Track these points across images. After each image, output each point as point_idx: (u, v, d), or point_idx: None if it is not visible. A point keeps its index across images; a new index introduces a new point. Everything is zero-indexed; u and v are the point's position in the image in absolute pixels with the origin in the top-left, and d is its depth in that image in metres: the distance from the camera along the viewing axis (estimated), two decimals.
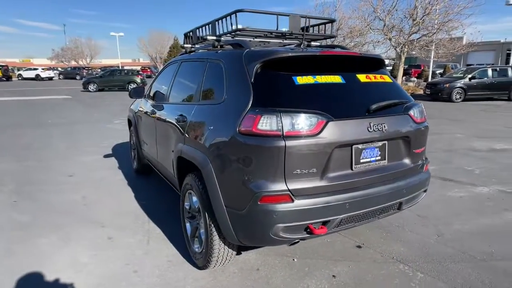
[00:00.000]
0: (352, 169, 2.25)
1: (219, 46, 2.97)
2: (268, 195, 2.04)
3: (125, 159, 5.87)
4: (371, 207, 2.31)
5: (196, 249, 2.72)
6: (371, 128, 2.24)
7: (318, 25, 3.30)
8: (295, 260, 2.85)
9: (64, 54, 62.81)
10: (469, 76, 15.38)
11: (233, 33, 2.93)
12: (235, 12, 2.79)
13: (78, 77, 40.41)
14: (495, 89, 15.54)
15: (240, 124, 2.13)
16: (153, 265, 2.78)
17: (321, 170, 2.12)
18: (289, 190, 2.06)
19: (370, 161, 2.32)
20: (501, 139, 7.53)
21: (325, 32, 3.35)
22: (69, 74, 43.76)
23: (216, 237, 2.42)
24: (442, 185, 4.59)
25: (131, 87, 23.27)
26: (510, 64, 21.83)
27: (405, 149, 2.52)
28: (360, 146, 2.26)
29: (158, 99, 3.90)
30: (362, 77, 2.48)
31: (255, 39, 3.18)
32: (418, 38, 18.24)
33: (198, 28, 3.52)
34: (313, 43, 3.37)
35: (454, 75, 16.93)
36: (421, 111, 2.62)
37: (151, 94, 4.21)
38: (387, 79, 2.65)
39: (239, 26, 2.91)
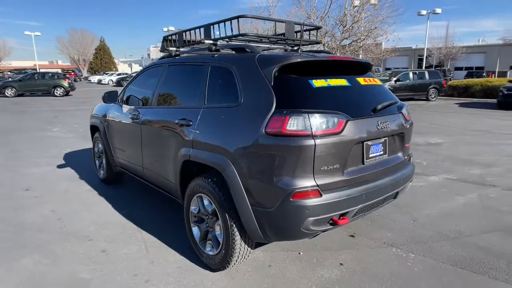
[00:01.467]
0: (363, 164, 2.48)
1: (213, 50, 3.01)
2: (300, 191, 2.17)
3: (85, 169, 5.48)
4: (379, 197, 2.56)
5: (210, 252, 2.72)
6: (379, 126, 2.50)
7: (309, 30, 3.51)
8: (301, 253, 3.01)
9: None
10: (395, 78, 17.16)
11: (232, 38, 2.98)
12: (237, 17, 2.86)
13: None
14: (416, 90, 17.57)
15: (266, 125, 2.22)
16: (163, 273, 2.71)
17: (342, 165, 2.31)
18: (317, 185, 2.20)
19: (376, 156, 2.58)
20: (433, 134, 8.59)
21: (309, 38, 3.57)
22: None
23: (237, 236, 2.47)
24: None
25: (58, 92, 21.42)
26: (423, 68, 24.87)
27: (400, 144, 2.83)
28: (369, 143, 2.50)
29: (138, 103, 3.77)
30: (361, 80, 2.74)
31: (249, 43, 3.27)
32: (349, 44, 19.74)
33: (184, 31, 3.49)
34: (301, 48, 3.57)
35: (381, 78, 18.69)
36: (408, 110, 2.97)
37: (126, 98, 4.03)
38: (378, 82, 2.95)
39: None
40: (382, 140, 2.62)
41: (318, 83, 2.42)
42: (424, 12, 25.10)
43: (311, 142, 2.15)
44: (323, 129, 2.19)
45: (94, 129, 4.97)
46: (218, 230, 2.63)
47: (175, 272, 2.72)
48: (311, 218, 2.20)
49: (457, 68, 37.75)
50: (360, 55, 21.43)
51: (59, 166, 5.76)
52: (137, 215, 3.78)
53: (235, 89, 2.53)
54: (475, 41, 39.51)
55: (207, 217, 2.75)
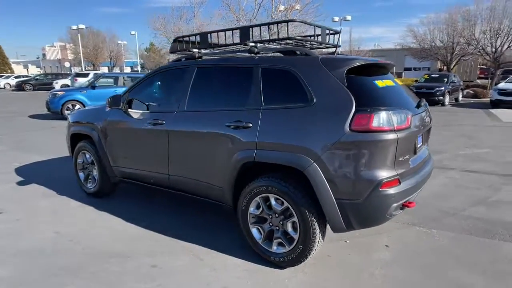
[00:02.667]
0: (415, 153, 2.82)
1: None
2: (387, 181, 2.40)
3: (57, 184, 4.88)
4: (423, 184, 2.93)
5: (279, 250, 2.77)
6: (425, 120, 2.87)
7: (333, 34, 3.71)
8: (348, 241, 3.24)
9: None
10: None
11: (281, 41, 3.06)
12: (287, 21, 2.97)
13: None
14: None
15: (351, 123, 2.39)
16: (236, 278, 2.68)
17: (410, 156, 2.61)
18: (398, 174, 2.46)
19: (419, 146, 2.94)
20: None
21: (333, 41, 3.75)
22: None
23: (317, 231, 2.58)
24: None
25: None
26: None
27: (426, 137, 3.26)
28: (418, 135, 2.85)
29: (156, 108, 3.57)
30: (398, 81, 3.09)
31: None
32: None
33: (209, 33, 3.43)
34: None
35: None
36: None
37: (129, 103, 3.73)
38: (401, 82, 3.34)
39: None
40: (421, 133, 3.01)
41: (379, 83, 2.68)
42: (336, 18, 27.57)
43: (394, 136, 2.39)
44: (400, 124, 2.46)
45: (77, 138, 4.47)
46: (290, 227, 2.70)
47: (246, 275, 2.71)
48: (394, 205, 2.46)
49: None
50: None
51: (19, 183, 5.00)
52: (160, 225, 3.56)
53: (301, 90, 2.64)
54: (371, 46, 44.69)
55: (271, 216, 2.79)
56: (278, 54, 3.07)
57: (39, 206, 4.14)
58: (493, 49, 22.61)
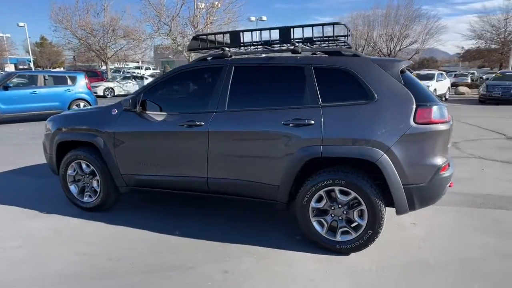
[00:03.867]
0: None
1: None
2: (444, 165, 2.80)
3: (40, 201, 4.22)
4: None
5: (345, 239, 2.95)
6: None
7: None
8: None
9: None
10: None
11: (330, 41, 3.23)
12: (334, 23, 3.14)
13: None
14: None
15: (415, 117, 2.72)
16: (313, 270, 2.79)
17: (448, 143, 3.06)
18: (447, 159, 2.88)
19: None
20: None
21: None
22: None
23: (384, 216, 2.85)
24: None
25: None
26: None
27: None
28: None
29: (184, 109, 3.41)
30: None
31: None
32: None
33: (242, 31, 3.40)
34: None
35: None
36: None
37: (146, 105, 3.48)
38: None
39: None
40: None
41: (419, 81, 3.07)
42: (253, 18, 28.43)
43: (447, 126, 2.80)
44: (447, 116, 2.87)
45: (66, 146, 3.93)
46: (356, 215, 2.91)
47: (320, 266, 2.83)
48: (447, 185, 2.87)
49: None
50: None
51: None
52: (196, 231, 3.42)
53: (361, 88, 2.87)
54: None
55: (333, 208, 2.97)
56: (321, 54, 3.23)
57: (33, 228, 3.55)
58: (388, 51, 26.22)
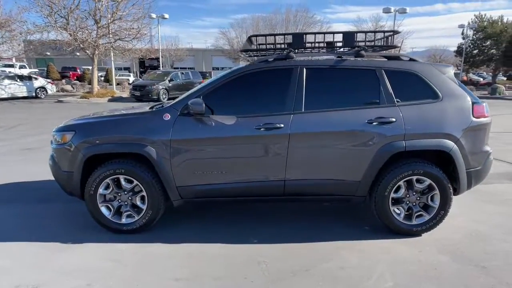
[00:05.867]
0: None
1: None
2: (491, 151, 3.43)
3: (71, 230, 3.45)
4: None
5: (419, 222, 3.32)
6: None
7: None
8: None
9: None
10: (168, 78, 18.20)
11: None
12: (394, 32, 3.48)
13: None
14: (185, 89, 19.38)
15: (473, 112, 3.28)
16: (407, 254, 3.09)
17: None
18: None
19: None
20: None
21: None
22: None
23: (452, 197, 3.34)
24: None
25: None
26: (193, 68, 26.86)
27: None
28: None
29: (255, 111, 3.30)
30: None
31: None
32: (108, 43, 18.54)
33: (305, 34, 3.46)
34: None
35: (155, 77, 19.12)
36: None
37: (211, 108, 3.27)
38: None
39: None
40: None
41: None
42: (154, 15, 26.97)
43: (490, 119, 3.44)
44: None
45: (95, 160, 3.34)
46: (429, 200, 3.32)
47: (410, 249, 3.15)
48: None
49: (175, 68, 43.02)
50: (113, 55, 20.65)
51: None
52: (268, 237, 3.37)
53: (429, 89, 3.30)
54: (187, 45, 46.07)
55: (408, 195, 3.32)
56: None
57: (80, 262, 2.93)
58: None
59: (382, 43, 3.69)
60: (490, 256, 2.99)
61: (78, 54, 22.95)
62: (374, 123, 3.21)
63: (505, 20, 30.67)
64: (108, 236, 3.37)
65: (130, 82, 29.73)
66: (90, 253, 3.07)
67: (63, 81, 28.44)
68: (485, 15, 31.84)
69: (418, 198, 3.34)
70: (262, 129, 3.21)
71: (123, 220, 3.41)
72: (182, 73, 19.93)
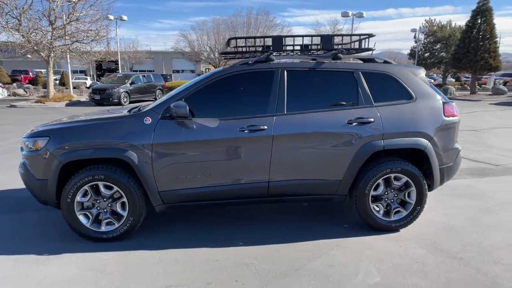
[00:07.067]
0: None
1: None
2: (460, 148, 3.66)
3: (47, 240, 3.21)
4: None
5: (398, 217, 3.47)
6: None
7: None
8: None
9: None
10: (129, 81, 17.61)
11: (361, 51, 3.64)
12: (369, 35, 3.61)
13: None
14: (147, 92, 18.88)
15: (444, 112, 3.49)
16: (400, 247, 3.22)
17: None
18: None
19: None
20: None
21: None
22: None
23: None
24: None
25: None
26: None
27: None
28: None
29: (237, 114, 3.29)
30: None
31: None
32: (65, 45, 17.57)
33: (284, 37, 3.51)
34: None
35: (114, 80, 18.38)
36: None
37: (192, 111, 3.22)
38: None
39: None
40: None
41: None
42: (112, 17, 26.01)
43: (459, 118, 3.67)
44: None
45: (72, 166, 3.17)
46: (406, 196, 3.48)
47: (393, 244, 3.29)
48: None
49: (134, 71, 41.70)
50: (72, 58, 19.67)
51: None
52: (254, 239, 3.36)
53: (403, 90, 3.47)
54: (146, 47, 44.70)
55: (387, 193, 3.46)
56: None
57: (63, 273, 2.75)
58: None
59: (358, 46, 3.83)
60: (465, 248, 3.19)
61: (30, 56, 21.58)
62: (354, 124, 3.31)
63: (453, 25, 32.96)
64: (87, 245, 3.20)
65: (88, 85, 28.46)
66: (71, 264, 2.90)
67: (14, 84, 26.60)
68: (435, 20, 34.09)
69: (396, 195, 3.49)
70: (246, 131, 3.21)
71: (103, 228, 3.25)
72: (144, 76, 19.40)
